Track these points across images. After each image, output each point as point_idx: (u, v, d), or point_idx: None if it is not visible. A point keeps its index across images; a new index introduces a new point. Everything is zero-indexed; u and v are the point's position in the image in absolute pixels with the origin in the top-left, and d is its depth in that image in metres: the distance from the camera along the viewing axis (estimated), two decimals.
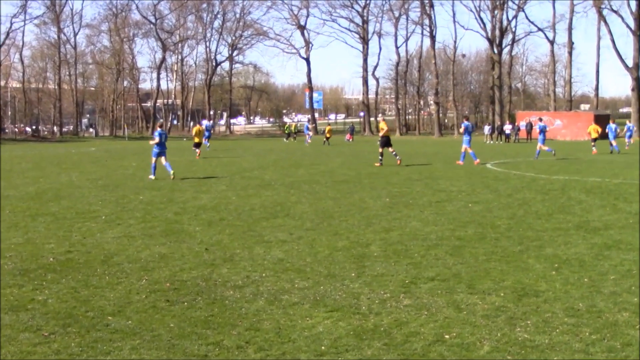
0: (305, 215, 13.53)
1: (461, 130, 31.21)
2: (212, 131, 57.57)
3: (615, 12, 73.16)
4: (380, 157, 27.47)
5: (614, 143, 36.86)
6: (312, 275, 8.44)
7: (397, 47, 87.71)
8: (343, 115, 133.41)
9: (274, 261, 9.24)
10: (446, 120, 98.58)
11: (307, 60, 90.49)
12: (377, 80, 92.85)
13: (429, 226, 12.06)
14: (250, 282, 8.13)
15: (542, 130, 32.64)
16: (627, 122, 48.09)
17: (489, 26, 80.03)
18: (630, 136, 43.14)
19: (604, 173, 23.41)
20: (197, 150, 34.93)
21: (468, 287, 7.78)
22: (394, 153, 27.68)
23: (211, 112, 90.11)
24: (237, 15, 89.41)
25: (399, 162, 27.41)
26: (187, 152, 37.71)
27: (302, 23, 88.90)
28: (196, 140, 35.77)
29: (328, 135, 55.14)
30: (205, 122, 46.21)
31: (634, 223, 12.27)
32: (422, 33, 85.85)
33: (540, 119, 38.71)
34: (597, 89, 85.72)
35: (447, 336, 6.14)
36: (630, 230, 11.50)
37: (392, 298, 7.38)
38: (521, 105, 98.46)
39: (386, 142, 27.73)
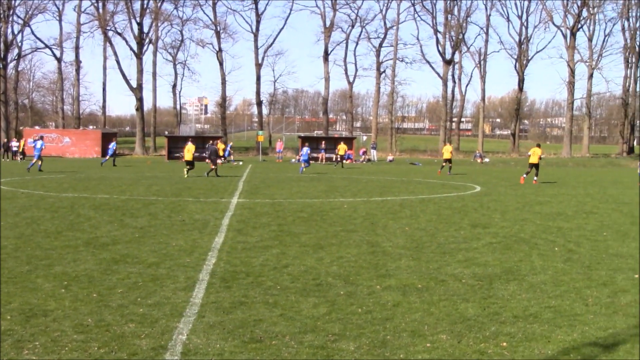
0: None
1: None
2: None
3: (120, 34, 76.11)
4: None
5: (302, 165, 40.42)
6: None
7: None
8: None
9: None
10: None
11: None
12: None
13: None
14: None
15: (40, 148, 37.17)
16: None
17: None
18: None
19: (112, 190, 24.09)
20: None
21: None
22: None
23: None
24: None
25: None
26: None
27: None
28: None
29: None
30: None
31: (139, 237, 12.89)
32: None
33: (41, 137, 40.09)
34: (104, 107, 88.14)
35: None
36: (136, 244, 12.05)
37: None
38: (29, 122, 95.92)
39: None
